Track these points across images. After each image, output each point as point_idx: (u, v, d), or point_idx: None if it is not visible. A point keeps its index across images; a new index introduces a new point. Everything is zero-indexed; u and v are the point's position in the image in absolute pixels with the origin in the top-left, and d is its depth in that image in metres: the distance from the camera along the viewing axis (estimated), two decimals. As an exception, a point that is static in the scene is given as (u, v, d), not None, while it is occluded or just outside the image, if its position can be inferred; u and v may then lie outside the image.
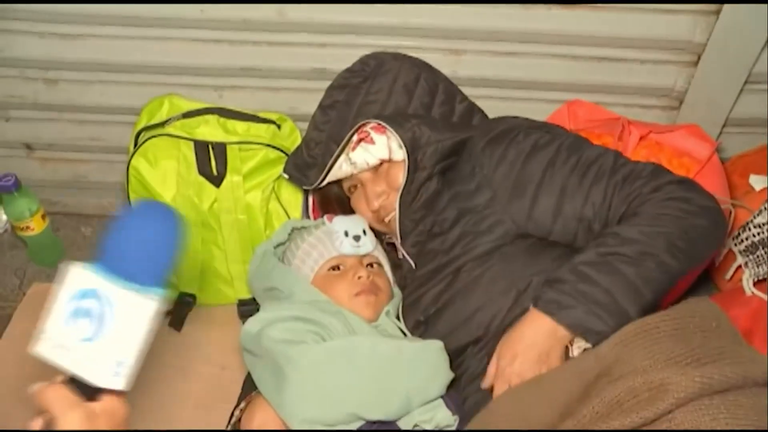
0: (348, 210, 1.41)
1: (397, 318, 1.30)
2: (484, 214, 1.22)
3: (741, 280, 1.47)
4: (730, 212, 1.46)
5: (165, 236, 0.75)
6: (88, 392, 0.73)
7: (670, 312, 1.01)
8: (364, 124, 1.31)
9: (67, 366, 0.72)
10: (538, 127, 1.29)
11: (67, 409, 0.72)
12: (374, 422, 1.10)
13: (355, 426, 1.10)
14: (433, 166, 1.27)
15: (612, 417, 0.89)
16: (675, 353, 0.95)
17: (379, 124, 1.29)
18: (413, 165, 1.27)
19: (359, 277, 1.27)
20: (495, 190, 1.22)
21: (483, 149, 1.26)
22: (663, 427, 0.88)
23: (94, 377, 0.72)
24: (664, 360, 0.94)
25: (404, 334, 1.27)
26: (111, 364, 0.72)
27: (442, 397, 1.15)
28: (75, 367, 0.72)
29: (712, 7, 1.44)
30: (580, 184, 1.17)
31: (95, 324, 0.71)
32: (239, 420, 1.18)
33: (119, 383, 0.73)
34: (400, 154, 1.28)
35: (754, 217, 1.45)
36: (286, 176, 1.43)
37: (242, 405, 1.19)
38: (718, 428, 0.85)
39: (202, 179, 1.47)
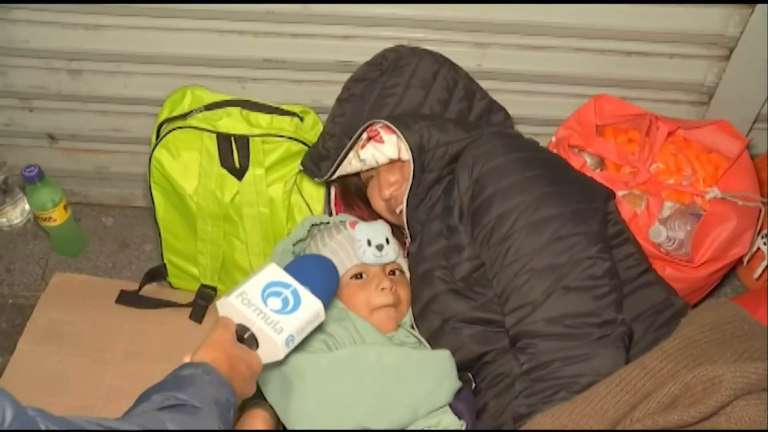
0: (367, 200, 1.40)
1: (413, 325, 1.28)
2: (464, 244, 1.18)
3: (770, 279, 1.45)
4: (760, 210, 1.44)
5: (330, 271, 1.13)
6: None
7: (704, 323, 1.00)
8: (373, 123, 1.28)
9: (255, 320, 0.95)
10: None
11: (223, 328, 0.93)
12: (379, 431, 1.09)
13: None
14: (441, 169, 1.25)
15: (668, 413, 0.88)
16: (724, 359, 0.94)
17: (387, 125, 1.25)
18: (420, 167, 1.24)
19: (383, 289, 1.24)
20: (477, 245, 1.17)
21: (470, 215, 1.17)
22: (722, 421, 0.86)
23: (271, 338, 0.94)
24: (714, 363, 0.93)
25: (419, 341, 1.24)
26: (287, 335, 0.95)
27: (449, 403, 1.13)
28: (261, 324, 0.95)
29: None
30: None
31: (282, 304, 0.98)
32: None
33: (284, 352, 0.96)
34: (408, 154, 1.24)
35: (785, 216, 1.42)
36: (300, 167, 1.42)
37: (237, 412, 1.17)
38: None
39: (224, 172, 1.47)
